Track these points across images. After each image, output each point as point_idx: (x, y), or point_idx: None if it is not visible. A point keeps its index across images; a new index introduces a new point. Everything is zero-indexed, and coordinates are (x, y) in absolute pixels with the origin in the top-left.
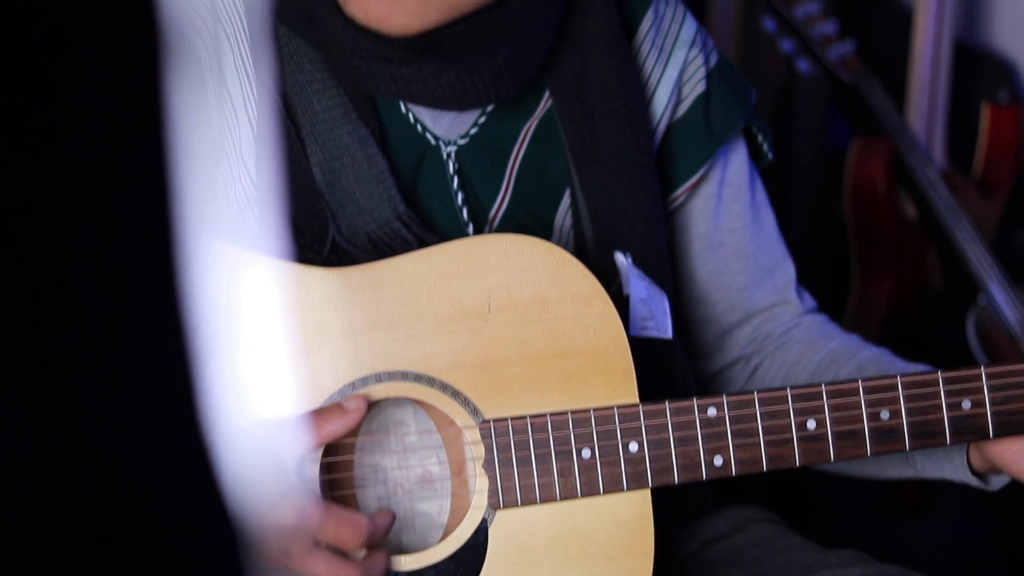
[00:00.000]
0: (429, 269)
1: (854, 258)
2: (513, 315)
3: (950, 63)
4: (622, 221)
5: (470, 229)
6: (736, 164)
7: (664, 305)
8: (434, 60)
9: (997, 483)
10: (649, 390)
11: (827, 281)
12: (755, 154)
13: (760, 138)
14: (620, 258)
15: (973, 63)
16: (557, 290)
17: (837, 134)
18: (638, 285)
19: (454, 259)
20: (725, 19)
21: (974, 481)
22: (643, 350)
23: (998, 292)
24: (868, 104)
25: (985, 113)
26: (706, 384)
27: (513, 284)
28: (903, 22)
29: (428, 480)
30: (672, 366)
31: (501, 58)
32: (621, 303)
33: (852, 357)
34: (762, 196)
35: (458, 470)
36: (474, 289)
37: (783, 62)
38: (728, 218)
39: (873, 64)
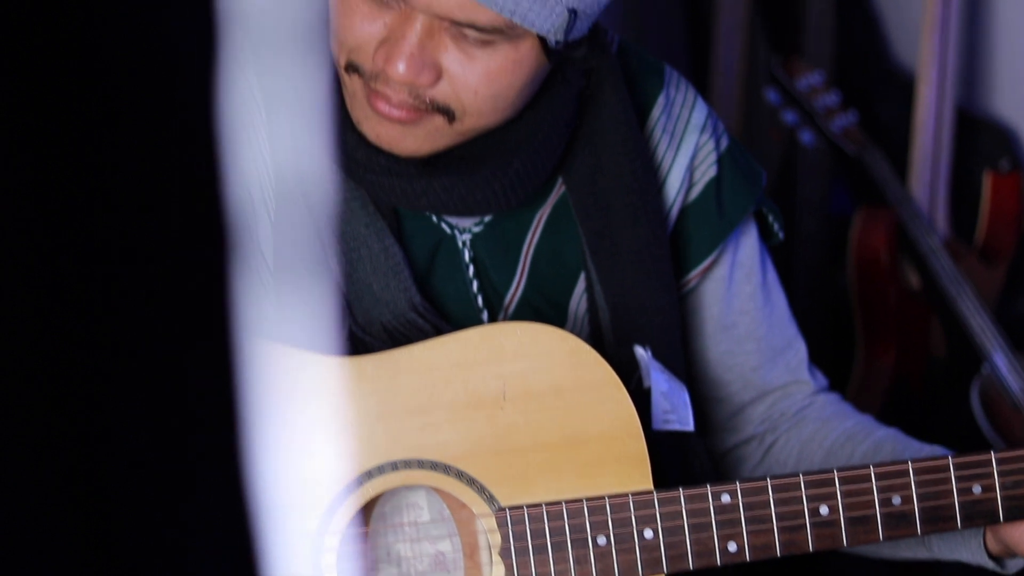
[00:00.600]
0: (444, 357)
1: (858, 327)
2: (528, 403)
3: (952, 132)
4: (641, 314)
5: (485, 316)
6: (747, 246)
7: (685, 397)
8: (445, 175)
9: (1012, 567)
10: (668, 479)
11: (831, 350)
12: (765, 233)
13: (771, 218)
14: (640, 352)
15: (974, 131)
16: (571, 377)
17: (840, 202)
18: (659, 378)
19: (469, 347)
20: (728, 90)
21: (990, 564)
22: (662, 439)
23: (1001, 361)
24: (871, 175)
25: (987, 181)
26: (720, 460)
27: (528, 372)
28: (905, 90)
29: (441, 563)
30: (689, 455)
31: (513, 170)
32: (641, 396)
33: (867, 437)
34: (773, 276)
35: (471, 552)
36: (489, 377)
37: (786, 133)
38: (740, 299)
39: (875, 132)
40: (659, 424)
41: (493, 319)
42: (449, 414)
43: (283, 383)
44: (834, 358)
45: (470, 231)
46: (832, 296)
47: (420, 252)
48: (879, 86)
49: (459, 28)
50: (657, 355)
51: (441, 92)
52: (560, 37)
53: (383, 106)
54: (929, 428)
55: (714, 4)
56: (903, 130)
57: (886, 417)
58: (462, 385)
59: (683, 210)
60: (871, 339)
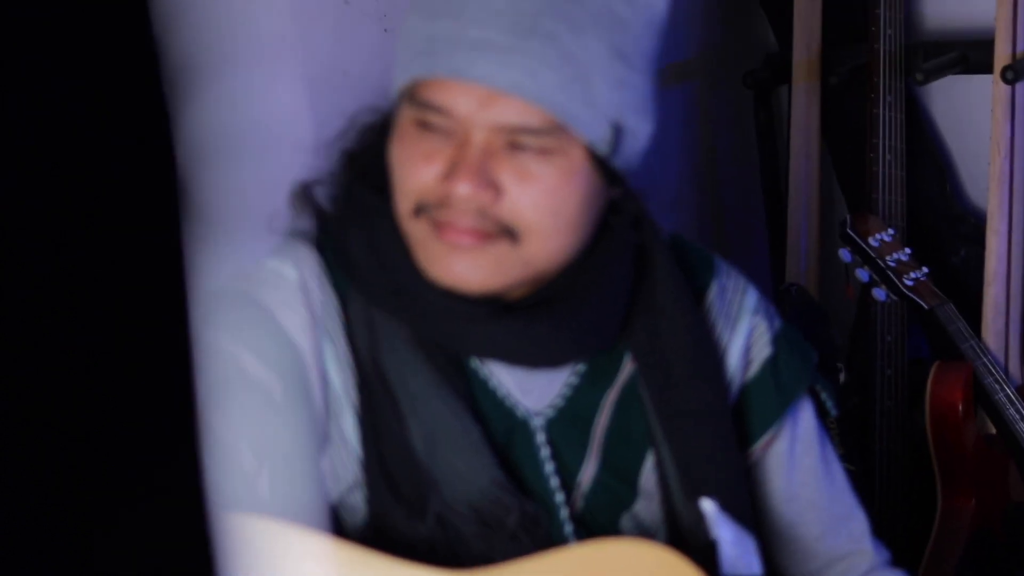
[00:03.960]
0: (550, 573)
1: (937, 476)
2: None
3: (1022, 281)
4: (706, 469)
5: (559, 497)
6: (805, 421)
7: (750, 545)
8: (524, 317)
9: None
10: None
11: (915, 497)
12: (819, 411)
13: (824, 396)
14: (706, 505)
15: None
16: None
17: (916, 344)
18: (726, 529)
19: (575, 563)
20: (802, 253)
21: None
22: None
23: None
24: (944, 329)
25: None
26: None
27: None
28: (978, 231)
29: None
30: None
31: (584, 316)
32: (709, 548)
33: None
34: (831, 450)
35: None
36: None
37: (860, 290)
38: (801, 472)
39: (950, 276)
40: (728, 571)
41: (567, 500)
42: None
43: None
44: (917, 505)
45: (543, 415)
46: (915, 440)
47: (496, 433)
48: (949, 230)
49: (515, 140)
50: (724, 507)
51: (504, 209)
52: (608, 151)
53: (451, 235)
54: (1012, 574)
55: (787, 166)
56: (977, 270)
57: (968, 562)
58: None
59: (742, 388)
60: (950, 487)
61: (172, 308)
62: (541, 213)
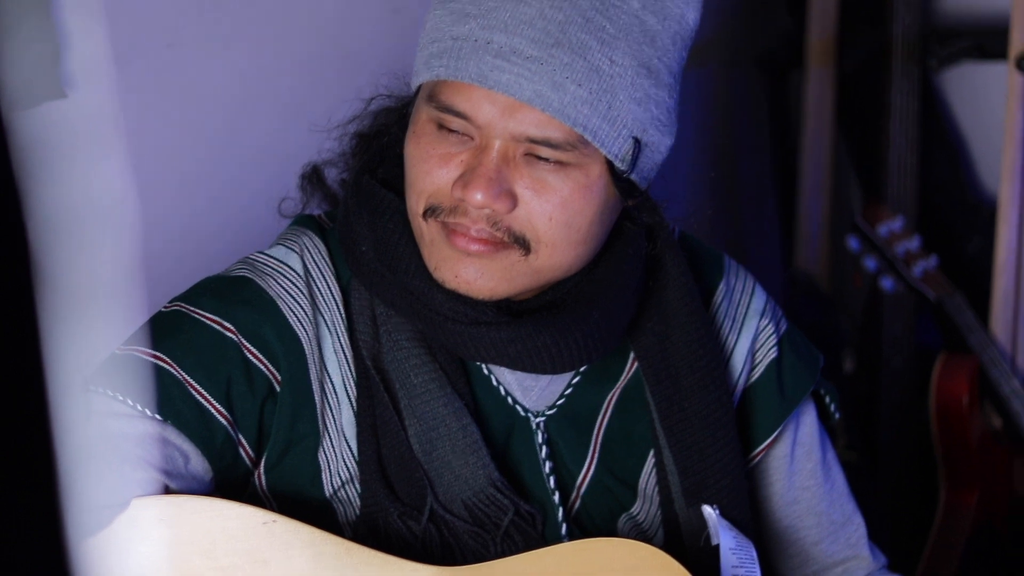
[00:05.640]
0: (538, 570)
1: (940, 469)
2: None
3: None
4: (709, 475)
5: (556, 496)
6: (807, 425)
7: (752, 553)
8: (530, 323)
9: None
10: None
11: (918, 488)
12: (822, 414)
13: (828, 399)
14: (708, 510)
15: None
16: None
17: (927, 332)
18: (727, 535)
19: (563, 562)
20: (813, 239)
21: None
22: None
23: None
24: (952, 320)
25: None
26: None
27: None
28: (991, 220)
29: None
30: None
31: (592, 321)
32: (710, 553)
33: None
34: (832, 455)
35: None
36: None
37: (868, 279)
38: (801, 476)
39: (963, 266)
40: None
41: (565, 500)
42: None
43: None
44: (921, 497)
45: (543, 414)
46: (920, 431)
47: (495, 433)
48: (964, 219)
49: (533, 151)
50: (725, 514)
51: (517, 220)
52: (626, 166)
53: (462, 241)
54: (1015, 568)
55: (800, 151)
56: (988, 261)
57: (971, 556)
58: None
59: (746, 390)
60: (953, 479)
61: (27, 378)
62: (554, 225)
